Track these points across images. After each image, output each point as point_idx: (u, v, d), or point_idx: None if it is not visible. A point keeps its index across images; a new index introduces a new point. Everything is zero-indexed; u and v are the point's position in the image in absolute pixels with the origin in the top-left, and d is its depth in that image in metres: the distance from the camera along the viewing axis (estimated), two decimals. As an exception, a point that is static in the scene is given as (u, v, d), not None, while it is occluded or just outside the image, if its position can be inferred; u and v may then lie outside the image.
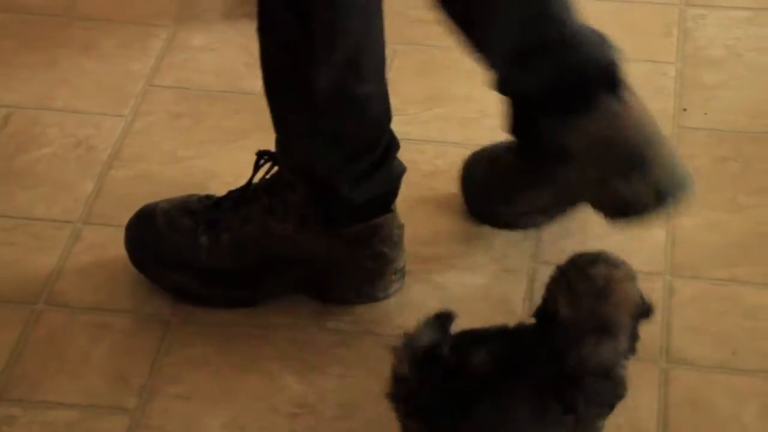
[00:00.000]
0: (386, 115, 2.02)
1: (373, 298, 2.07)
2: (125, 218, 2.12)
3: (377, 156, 1.99)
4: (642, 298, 1.70)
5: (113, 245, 2.15)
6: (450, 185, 2.27)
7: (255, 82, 2.47)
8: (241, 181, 2.23)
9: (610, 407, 1.74)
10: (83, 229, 2.20)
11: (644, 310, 1.70)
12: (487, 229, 2.19)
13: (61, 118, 2.41)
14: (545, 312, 1.70)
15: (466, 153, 2.33)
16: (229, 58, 2.54)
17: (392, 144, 2.03)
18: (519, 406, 1.67)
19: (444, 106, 2.45)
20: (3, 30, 2.59)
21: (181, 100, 2.46)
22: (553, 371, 1.66)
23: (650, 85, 2.47)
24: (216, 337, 2.03)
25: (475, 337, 1.73)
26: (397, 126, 2.38)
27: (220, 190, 2.12)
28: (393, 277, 2.06)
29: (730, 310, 2.06)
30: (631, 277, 1.70)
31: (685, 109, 2.42)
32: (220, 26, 2.62)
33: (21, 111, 2.42)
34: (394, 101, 2.44)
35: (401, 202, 2.10)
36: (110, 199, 2.25)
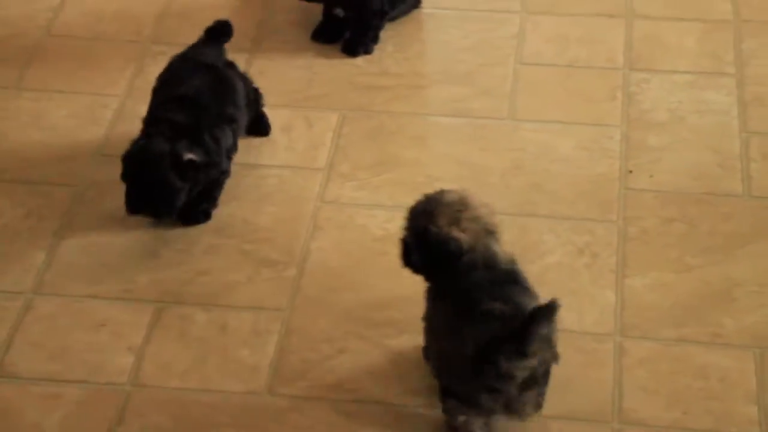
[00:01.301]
0: None
1: None
2: (78, 288, 2.11)
3: None
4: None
5: (65, 315, 2.14)
6: (401, 250, 2.29)
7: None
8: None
9: None
10: (34, 299, 2.20)
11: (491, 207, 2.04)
12: (438, 293, 2.20)
13: (12, 189, 2.41)
14: (439, 255, 1.96)
15: (416, 217, 2.35)
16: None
17: None
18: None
19: (393, 171, 2.47)
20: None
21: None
22: (502, 276, 1.96)
23: (596, 147, 2.51)
24: (171, 406, 2.02)
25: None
26: (347, 191, 2.41)
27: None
28: None
29: (680, 370, 2.08)
30: (462, 189, 2.05)
31: (631, 172, 2.46)
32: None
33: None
34: (344, 167, 2.47)
35: (352, 267, 2.10)
36: (61, 269, 2.25)
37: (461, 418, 1.92)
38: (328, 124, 2.56)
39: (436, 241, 1.98)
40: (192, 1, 2.84)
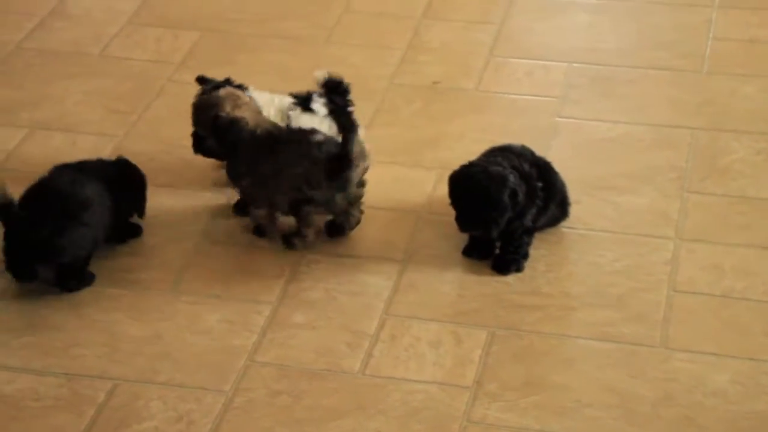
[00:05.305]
0: None
1: None
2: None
3: None
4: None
5: None
6: (548, 478, 2.24)
7: (356, 361, 2.51)
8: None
9: None
10: (179, 508, 2.20)
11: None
12: None
13: (164, 392, 2.44)
14: (231, 134, 2.71)
15: (564, 444, 2.31)
16: (330, 337, 2.57)
17: None
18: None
19: (541, 393, 2.44)
20: (113, 303, 2.66)
21: (281, 378, 2.48)
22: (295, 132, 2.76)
23: (752, 383, 2.44)
24: None
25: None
26: (494, 412, 2.38)
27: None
28: None
29: None
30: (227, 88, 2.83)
31: (790, 412, 2.39)
32: (322, 305, 2.66)
33: (126, 384, 2.46)
34: (491, 386, 2.45)
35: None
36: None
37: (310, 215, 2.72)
38: (477, 341, 2.55)
39: (227, 123, 2.68)
40: (347, 211, 2.89)
